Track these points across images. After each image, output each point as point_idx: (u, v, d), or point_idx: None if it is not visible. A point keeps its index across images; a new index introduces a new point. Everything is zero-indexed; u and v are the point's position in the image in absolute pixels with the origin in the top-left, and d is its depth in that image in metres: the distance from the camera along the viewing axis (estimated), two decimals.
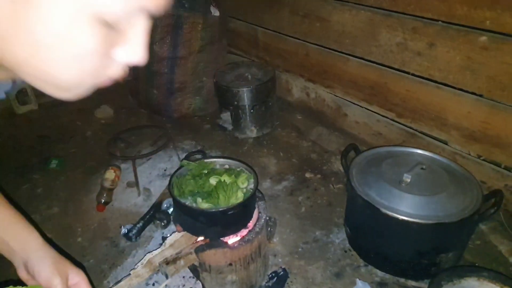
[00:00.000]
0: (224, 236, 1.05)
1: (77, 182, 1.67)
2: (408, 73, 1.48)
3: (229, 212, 1.00)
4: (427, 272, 1.14)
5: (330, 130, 1.94)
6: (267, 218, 1.17)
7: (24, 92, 2.17)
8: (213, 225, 1.03)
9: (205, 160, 1.20)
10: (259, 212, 1.13)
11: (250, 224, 1.09)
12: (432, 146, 1.49)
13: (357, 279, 1.18)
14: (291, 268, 1.24)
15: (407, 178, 1.13)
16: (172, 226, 1.37)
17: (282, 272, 1.20)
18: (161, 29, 1.96)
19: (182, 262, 1.02)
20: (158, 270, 1.06)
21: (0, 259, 0.72)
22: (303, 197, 1.56)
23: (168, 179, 1.12)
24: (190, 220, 1.05)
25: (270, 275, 1.20)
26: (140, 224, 1.37)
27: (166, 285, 1.14)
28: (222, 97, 1.94)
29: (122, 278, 1.05)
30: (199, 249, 1.03)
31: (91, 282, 0.76)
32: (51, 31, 0.29)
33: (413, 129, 1.56)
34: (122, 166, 1.72)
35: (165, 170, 1.72)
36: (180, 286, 1.15)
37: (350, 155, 1.33)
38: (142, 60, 0.36)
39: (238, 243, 1.04)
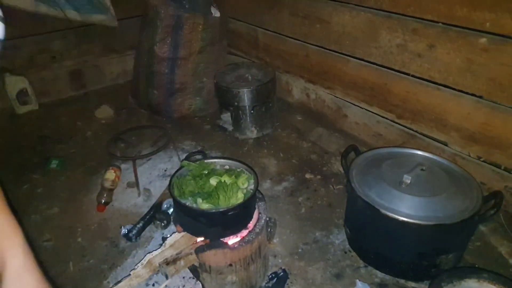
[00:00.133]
0: (224, 236, 1.05)
1: (77, 182, 1.67)
2: (408, 74, 1.48)
3: (229, 213, 1.00)
4: (427, 273, 1.15)
5: (330, 131, 1.95)
6: (267, 218, 1.17)
7: (25, 92, 2.17)
8: (213, 225, 1.03)
9: (206, 161, 1.20)
10: (259, 213, 1.14)
11: (250, 225, 1.09)
12: (432, 147, 1.50)
13: (357, 280, 1.18)
14: (291, 269, 1.24)
15: (407, 179, 1.13)
16: (172, 227, 1.37)
17: (282, 273, 1.20)
18: (162, 30, 1.97)
19: (182, 262, 1.02)
20: (158, 271, 1.06)
21: None
22: (303, 198, 1.56)
23: (168, 179, 1.12)
24: (190, 220, 1.05)
25: (270, 276, 1.20)
26: (140, 224, 1.37)
27: (166, 286, 1.14)
28: (223, 97, 1.94)
29: (122, 279, 1.06)
30: (199, 250, 1.03)
31: None
32: None
33: (413, 130, 1.57)
34: (122, 166, 1.72)
35: (165, 170, 1.72)
36: (180, 287, 1.15)
37: (350, 156, 1.33)
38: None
39: (238, 244, 1.04)
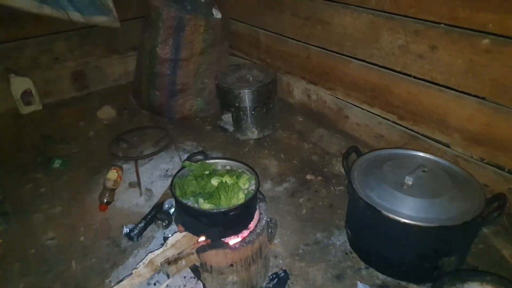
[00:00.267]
0: (225, 236, 1.06)
1: (80, 182, 1.68)
2: (410, 75, 1.48)
3: (231, 213, 1.01)
4: (429, 275, 1.14)
5: (331, 132, 1.95)
6: (268, 219, 1.17)
7: (29, 93, 2.18)
8: (215, 225, 1.04)
9: (207, 161, 1.21)
10: (260, 213, 1.14)
11: (251, 225, 1.10)
12: (434, 149, 1.49)
13: (358, 282, 1.18)
14: (291, 269, 1.24)
15: (409, 180, 1.13)
16: (173, 227, 1.38)
17: (282, 274, 1.20)
18: (164, 31, 1.98)
19: (183, 262, 1.03)
20: (160, 270, 1.06)
21: None
22: (304, 198, 1.56)
23: (170, 179, 1.13)
24: (192, 220, 1.05)
25: (271, 277, 1.20)
26: (142, 224, 1.38)
27: (167, 285, 1.14)
28: (224, 98, 1.95)
29: (124, 278, 1.06)
30: (200, 250, 1.03)
31: None
32: None
33: (414, 131, 1.56)
34: (124, 166, 1.73)
35: (166, 170, 1.72)
36: (181, 286, 1.15)
37: (352, 157, 1.33)
38: None
39: (239, 244, 1.04)
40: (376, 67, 1.60)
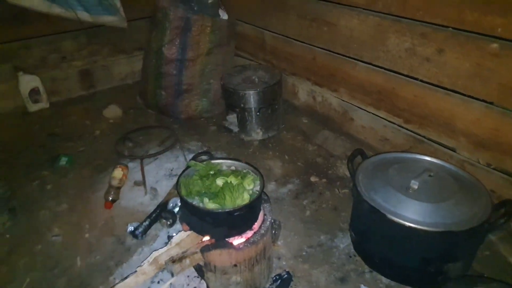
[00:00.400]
0: (229, 236, 1.06)
1: (86, 179, 1.70)
2: (416, 79, 1.47)
3: (235, 213, 1.01)
4: (433, 280, 1.13)
5: (336, 134, 1.94)
6: (272, 220, 1.17)
7: (37, 91, 2.21)
8: (219, 225, 1.04)
9: (212, 161, 1.21)
10: (265, 214, 1.14)
11: (256, 226, 1.10)
12: (440, 153, 1.48)
13: (362, 285, 1.17)
14: (295, 271, 1.24)
15: (414, 184, 1.12)
16: (177, 225, 1.39)
17: (286, 275, 1.20)
18: (171, 32, 1.99)
19: (187, 261, 1.03)
20: (164, 268, 1.07)
21: None
22: (308, 200, 1.56)
23: (174, 179, 1.14)
24: (197, 219, 1.06)
25: (274, 278, 1.20)
26: (146, 222, 1.39)
27: (171, 284, 1.15)
28: (229, 99, 1.95)
29: (128, 275, 1.07)
30: (205, 249, 1.04)
31: None
32: None
33: (420, 135, 1.56)
34: (130, 165, 1.74)
35: (171, 170, 1.73)
36: (185, 285, 1.16)
37: (357, 160, 1.33)
38: None
39: (244, 245, 1.04)
40: (382, 70, 1.59)
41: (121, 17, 2.25)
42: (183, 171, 1.17)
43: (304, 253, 1.31)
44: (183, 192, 1.08)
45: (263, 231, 1.08)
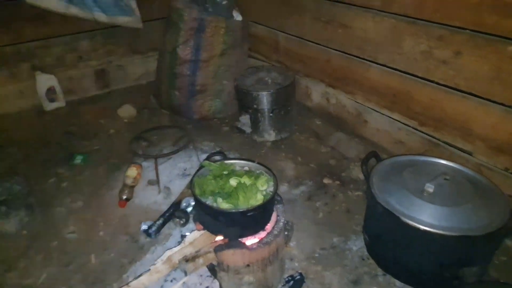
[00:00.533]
0: (242, 237, 1.07)
1: (100, 178, 1.73)
2: (432, 81, 1.45)
3: (249, 214, 1.02)
4: (449, 285, 1.11)
5: (349, 136, 1.93)
6: (285, 221, 1.17)
7: (53, 90, 2.26)
8: (233, 225, 1.05)
9: (226, 162, 1.22)
10: (278, 215, 1.14)
11: (269, 227, 1.10)
12: (456, 157, 1.46)
13: None
14: (307, 273, 1.24)
15: (430, 187, 1.11)
16: (190, 225, 1.40)
17: (298, 276, 1.20)
18: (185, 33, 2.02)
19: (201, 260, 1.04)
20: (177, 267, 1.08)
21: None
22: (320, 202, 1.55)
23: (188, 178, 1.15)
24: (210, 219, 1.07)
25: (287, 279, 1.20)
26: (160, 221, 1.40)
27: (184, 283, 1.16)
28: (242, 100, 1.96)
29: (142, 273, 1.08)
30: (218, 249, 1.05)
31: None
32: None
33: (436, 138, 1.53)
34: (144, 164, 1.76)
35: (185, 170, 1.75)
36: (197, 284, 1.17)
37: (371, 162, 1.32)
38: None
39: (257, 245, 1.05)
40: (397, 72, 1.58)
41: (136, 17, 2.29)
42: (197, 170, 1.19)
43: (316, 255, 1.31)
44: (197, 191, 1.09)
45: (276, 232, 1.09)
